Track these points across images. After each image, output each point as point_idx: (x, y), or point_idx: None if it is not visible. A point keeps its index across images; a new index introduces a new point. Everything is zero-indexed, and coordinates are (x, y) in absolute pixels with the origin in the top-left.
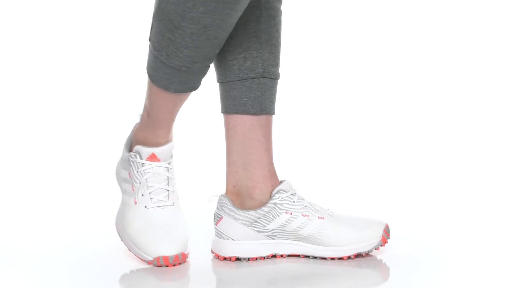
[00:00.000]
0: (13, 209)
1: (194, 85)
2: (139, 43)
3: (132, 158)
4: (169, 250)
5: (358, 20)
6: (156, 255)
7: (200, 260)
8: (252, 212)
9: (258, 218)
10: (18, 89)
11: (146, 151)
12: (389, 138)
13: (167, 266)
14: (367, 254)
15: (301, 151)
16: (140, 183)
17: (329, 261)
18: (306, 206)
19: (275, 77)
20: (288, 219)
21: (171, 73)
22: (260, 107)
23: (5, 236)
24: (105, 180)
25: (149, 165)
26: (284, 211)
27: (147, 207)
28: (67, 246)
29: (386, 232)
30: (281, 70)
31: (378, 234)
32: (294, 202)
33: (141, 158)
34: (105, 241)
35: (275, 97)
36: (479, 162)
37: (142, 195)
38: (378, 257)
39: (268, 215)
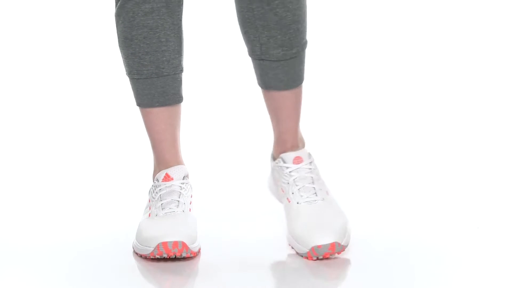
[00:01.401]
0: (13, 209)
1: (175, 95)
2: None
3: (152, 186)
4: (169, 238)
5: (367, 22)
6: (156, 244)
7: (199, 259)
8: None
9: None
10: (18, 90)
11: (160, 173)
12: (389, 139)
13: (168, 255)
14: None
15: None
16: (155, 199)
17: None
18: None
19: (277, 58)
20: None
21: (147, 86)
22: (264, 85)
23: (5, 236)
24: (105, 180)
25: (164, 185)
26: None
27: (158, 215)
28: (67, 246)
29: (314, 251)
30: None
31: (308, 247)
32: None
33: (158, 182)
34: (106, 241)
35: (287, 75)
36: (479, 162)
37: (155, 207)
38: (378, 256)
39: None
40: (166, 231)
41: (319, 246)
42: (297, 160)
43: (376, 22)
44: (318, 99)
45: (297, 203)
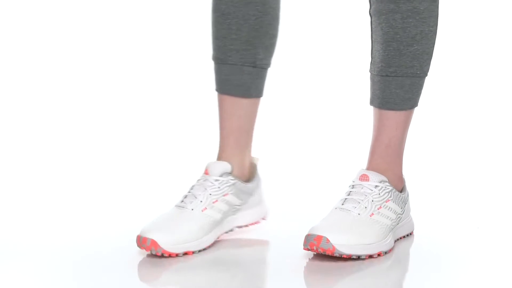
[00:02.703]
0: (14, 209)
1: (240, 87)
2: (139, 44)
3: None
4: (145, 233)
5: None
6: (137, 236)
7: (201, 260)
8: None
9: None
10: (18, 89)
11: (206, 166)
12: None
13: (140, 248)
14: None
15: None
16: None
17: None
18: None
19: (376, 72)
20: None
21: (216, 70)
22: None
23: (8, 236)
24: (107, 180)
25: (202, 177)
26: None
27: (172, 207)
28: (68, 247)
29: (305, 239)
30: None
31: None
32: None
33: (202, 174)
34: (108, 242)
35: (382, 92)
36: (479, 162)
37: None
38: (377, 256)
39: None
40: (150, 226)
41: (308, 234)
42: (363, 178)
43: None
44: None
45: (335, 208)
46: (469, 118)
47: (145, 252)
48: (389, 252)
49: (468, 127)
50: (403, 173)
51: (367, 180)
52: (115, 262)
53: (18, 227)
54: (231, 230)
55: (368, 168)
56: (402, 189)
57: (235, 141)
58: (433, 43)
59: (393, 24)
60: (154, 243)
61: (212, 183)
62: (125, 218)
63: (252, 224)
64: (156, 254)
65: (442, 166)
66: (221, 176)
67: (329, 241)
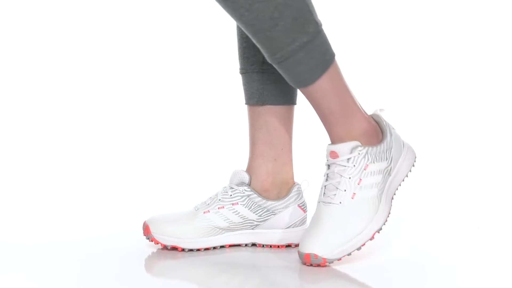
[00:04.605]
0: (19, 210)
1: (253, 94)
2: (138, 45)
3: None
4: (149, 220)
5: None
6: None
7: (203, 262)
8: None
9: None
10: (19, 90)
11: None
12: None
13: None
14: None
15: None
16: None
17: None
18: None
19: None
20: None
21: (242, 82)
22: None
23: (12, 237)
24: (111, 180)
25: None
26: None
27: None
28: (75, 245)
29: (299, 256)
30: None
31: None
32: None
33: None
34: (109, 242)
35: (289, 76)
36: (479, 162)
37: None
38: (378, 257)
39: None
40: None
41: (299, 252)
42: (332, 155)
43: (377, 23)
44: None
45: (318, 202)
46: (470, 118)
47: (145, 253)
48: (386, 222)
49: (469, 127)
50: (384, 117)
51: (337, 156)
52: (120, 261)
53: (22, 227)
54: (246, 245)
55: (332, 141)
56: (382, 137)
57: (257, 152)
58: (299, 3)
59: (244, 19)
60: None
61: (226, 191)
62: (127, 218)
63: (274, 246)
64: None
65: (442, 165)
66: (237, 185)
67: (317, 256)
